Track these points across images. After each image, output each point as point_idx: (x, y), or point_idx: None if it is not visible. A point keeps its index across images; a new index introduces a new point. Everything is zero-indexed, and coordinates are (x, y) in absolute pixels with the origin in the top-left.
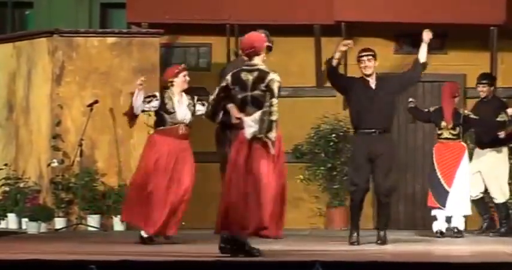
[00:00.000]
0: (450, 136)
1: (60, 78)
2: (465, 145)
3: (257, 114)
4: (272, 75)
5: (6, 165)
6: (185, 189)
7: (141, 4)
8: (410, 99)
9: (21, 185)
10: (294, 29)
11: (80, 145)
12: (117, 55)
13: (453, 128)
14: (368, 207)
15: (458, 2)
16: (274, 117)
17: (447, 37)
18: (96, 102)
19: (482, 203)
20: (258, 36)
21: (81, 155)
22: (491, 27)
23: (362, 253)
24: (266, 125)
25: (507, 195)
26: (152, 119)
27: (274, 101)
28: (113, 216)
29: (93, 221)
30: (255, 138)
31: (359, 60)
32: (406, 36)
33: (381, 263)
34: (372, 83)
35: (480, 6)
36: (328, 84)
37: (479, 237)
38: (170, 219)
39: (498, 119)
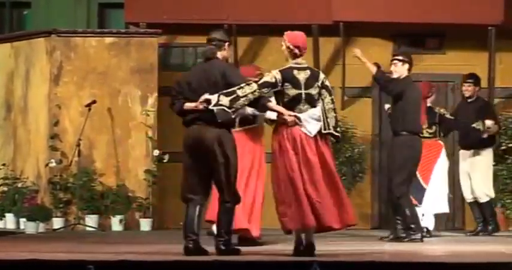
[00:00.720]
0: (427, 135)
1: (58, 78)
2: (442, 143)
3: (317, 111)
4: (323, 74)
5: (4, 165)
6: None
7: (139, 4)
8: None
9: (19, 185)
10: (292, 29)
11: (78, 145)
12: (115, 55)
13: (429, 127)
14: (367, 207)
15: (457, 2)
16: (337, 114)
17: (445, 37)
18: (94, 102)
19: (476, 207)
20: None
21: (79, 155)
22: (490, 27)
23: (360, 253)
24: (334, 121)
25: (491, 195)
26: (150, 119)
27: (333, 97)
28: (111, 216)
29: (91, 221)
30: (319, 134)
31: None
32: (404, 36)
33: (379, 263)
34: None
35: (478, 6)
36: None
37: (474, 238)
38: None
39: (473, 125)
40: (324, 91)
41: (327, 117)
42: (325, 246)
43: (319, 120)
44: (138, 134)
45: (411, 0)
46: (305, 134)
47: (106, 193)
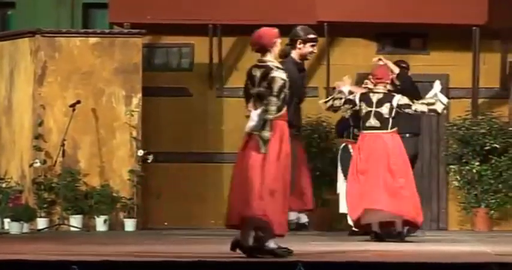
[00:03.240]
0: None
1: (43, 79)
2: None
3: (258, 111)
4: (274, 73)
5: None
6: None
7: (123, 4)
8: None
9: (3, 185)
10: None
11: (62, 145)
12: (99, 55)
13: None
14: None
15: (441, 2)
16: (269, 116)
17: (429, 37)
18: (78, 102)
19: None
20: (266, 32)
21: (63, 155)
22: (474, 28)
23: (344, 253)
24: (261, 123)
25: None
26: (134, 120)
27: (273, 99)
28: (95, 217)
29: (75, 221)
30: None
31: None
32: (388, 37)
33: (363, 263)
34: None
35: (462, 7)
36: (310, 84)
37: (460, 238)
38: None
39: None
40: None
41: (259, 118)
42: (309, 247)
43: (260, 120)
44: (122, 134)
45: (395, 1)
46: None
47: (90, 193)
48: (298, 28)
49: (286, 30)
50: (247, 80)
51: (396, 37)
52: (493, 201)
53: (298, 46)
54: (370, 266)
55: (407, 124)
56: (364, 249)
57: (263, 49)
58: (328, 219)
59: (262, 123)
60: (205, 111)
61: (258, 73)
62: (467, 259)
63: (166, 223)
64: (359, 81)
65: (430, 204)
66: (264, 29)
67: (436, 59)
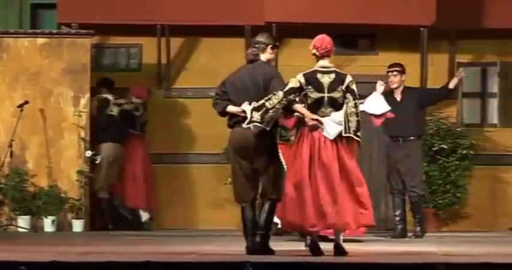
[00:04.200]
0: None
1: None
2: None
3: (339, 115)
4: (350, 77)
5: None
6: None
7: (71, 5)
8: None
9: None
10: (224, 30)
11: (10, 146)
12: (48, 56)
13: None
14: None
15: (389, 3)
16: (359, 118)
17: (378, 38)
18: (26, 102)
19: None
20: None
21: (11, 156)
22: (422, 28)
23: (292, 253)
24: (355, 125)
25: None
26: (82, 120)
27: (358, 102)
28: (43, 217)
29: (23, 222)
30: (339, 137)
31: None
32: (336, 37)
33: (310, 263)
34: (398, 96)
35: (410, 7)
36: None
37: (407, 238)
38: None
39: None
40: (348, 95)
41: (348, 121)
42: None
43: (340, 124)
44: (70, 134)
45: (343, 1)
46: (324, 137)
47: (38, 194)
48: (268, 34)
49: (233, 31)
50: (308, 85)
51: (344, 38)
52: (441, 201)
53: (269, 51)
54: (317, 266)
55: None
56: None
57: (329, 55)
58: None
59: (356, 125)
60: (153, 111)
61: (326, 78)
62: (415, 259)
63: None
64: None
65: (378, 204)
66: (325, 36)
67: (384, 59)
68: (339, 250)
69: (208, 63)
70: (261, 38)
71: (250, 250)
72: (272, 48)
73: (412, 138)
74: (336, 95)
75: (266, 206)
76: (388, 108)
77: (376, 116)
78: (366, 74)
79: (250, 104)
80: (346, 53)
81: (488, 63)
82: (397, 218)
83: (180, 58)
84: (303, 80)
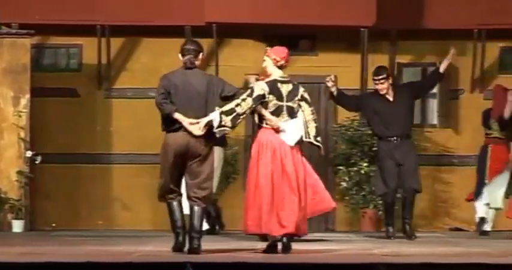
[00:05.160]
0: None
1: None
2: None
3: (298, 122)
4: (302, 88)
5: None
6: None
7: (11, 5)
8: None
9: None
10: (165, 30)
11: None
12: None
13: None
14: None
15: (329, 4)
16: (317, 124)
17: (318, 38)
18: None
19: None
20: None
21: None
22: (362, 29)
23: (233, 254)
24: (315, 131)
25: None
26: (22, 121)
27: (313, 109)
28: None
29: None
30: (299, 143)
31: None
32: (276, 38)
33: (250, 264)
34: (390, 96)
35: (350, 8)
36: None
37: (347, 238)
38: None
39: None
40: (303, 103)
41: (307, 127)
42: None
43: (299, 131)
44: (10, 135)
45: (283, 2)
46: (285, 143)
47: None
48: (196, 41)
49: (174, 31)
50: (269, 94)
51: (285, 38)
52: (380, 202)
53: (200, 58)
54: (256, 266)
55: None
56: (253, 250)
57: (287, 66)
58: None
59: (316, 131)
60: (93, 112)
61: (285, 88)
62: (355, 260)
63: (54, 224)
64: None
65: None
66: (285, 48)
67: (325, 60)
68: (287, 247)
69: (149, 63)
70: (192, 45)
71: (176, 248)
72: (202, 54)
73: (404, 136)
74: (293, 104)
75: (196, 211)
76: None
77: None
78: (306, 75)
79: (193, 113)
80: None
81: (428, 64)
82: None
83: (121, 58)
84: (266, 89)
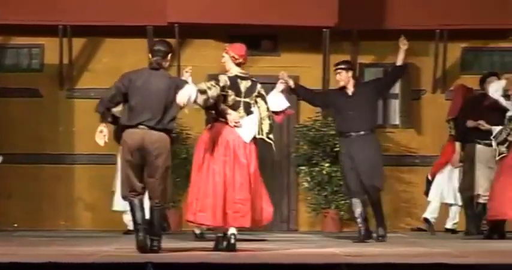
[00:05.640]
0: None
1: None
2: None
3: (253, 118)
4: (260, 84)
5: None
6: None
7: None
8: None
9: None
10: (127, 30)
11: None
12: None
13: None
14: None
15: (290, 4)
16: (271, 121)
17: (280, 39)
18: None
19: None
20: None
21: None
22: (324, 29)
23: (194, 254)
24: (268, 128)
25: None
26: None
27: (269, 106)
28: None
29: None
30: (253, 139)
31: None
32: (238, 38)
33: (210, 264)
34: (349, 90)
35: (312, 8)
36: None
37: (309, 238)
38: None
39: None
40: (259, 99)
41: (261, 124)
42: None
43: (254, 127)
44: None
45: (245, 2)
46: (238, 138)
47: None
48: (166, 42)
49: (136, 32)
50: (228, 89)
51: (247, 39)
52: (342, 202)
53: (168, 59)
54: (218, 266)
55: None
56: (209, 249)
57: (245, 63)
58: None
59: (270, 128)
60: (56, 112)
61: (244, 84)
62: (317, 260)
63: (16, 225)
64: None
65: (281, 205)
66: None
67: (287, 60)
68: (232, 246)
69: (111, 63)
70: (161, 46)
71: (140, 243)
72: (171, 55)
73: (363, 132)
74: (250, 100)
75: (155, 211)
76: (287, 104)
77: (276, 113)
78: (269, 75)
79: (150, 114)
80: (248, 54)
81: (390, 64)
82: (359, 220)
83: (83, 59)
84: (228, 83)
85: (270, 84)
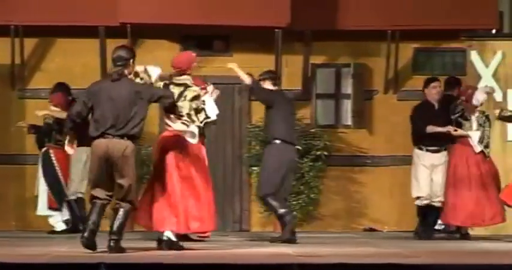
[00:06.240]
0: None
1: None
2: None
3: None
4: (197, 88)
5: None
6: None
7: None
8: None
9: None
10: (79, 31)
11: None
12: None
13: None
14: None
15: (243, 5)
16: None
17: (232, 39)
18: None
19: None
20: (185, 57)
21: None
22: (276, 30)
23: (147, 254)
24: (204, 114)
25: None
26: None
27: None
28: None
29: None
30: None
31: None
32: (191, 39)
33: (163, 265)
34: None
35: (265, 9)
36: None
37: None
38: None
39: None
40: (187, 91)
41: (204, 127)
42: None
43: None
44: None
45: (197, 2)
46: (188, 143)
47: None
48: (127, 48)
49: (88, 32)
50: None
51: (199, 39)
52: (295, 202)
53: (131, 64)
54: (170, 266)
55: None
56: (165, 251)
57: (183, 73)
58: None
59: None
60: (7, 112)
61: (176, 90)
62: (270, 260)
63: None
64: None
65: (233, 205)
66: (185, 54)
67: (239, 60)
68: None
69: (63, 64)
70: (121, 52)
71: (84, 239)
72: (133, 61)
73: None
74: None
75: (120, 212)
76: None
77: None
78: (221, 75)
79: (114, 123)
80: (201, 54)
81: (342, 65)
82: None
83: (35, 59)
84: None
85: (222, 85)
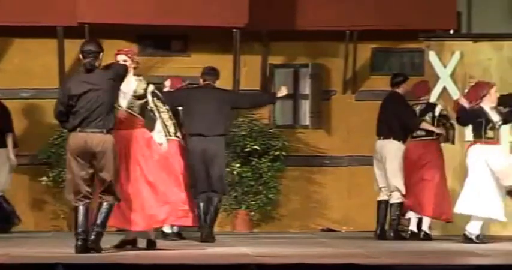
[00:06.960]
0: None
1: None
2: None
3: (158, 124)
4: (153, 86)
5: None
6: None
7: None
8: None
9: None
10: (37, 31)
11: None
12: None
13: None
14: None
15: (201, 4)
16: (174, 120)
17: (190, 39)
18: None
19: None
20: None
21: None
22: (234, 30)
23: (107, 255)
24: (173, 128)
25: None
26: None
27: (167, 107)
28: None
29: None
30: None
31: None
32: (149, 38)
33: (125, 265)
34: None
35: (223, 9)
36: None
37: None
38: None
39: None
40: (156, 100)
41: (166, 126)
42: (70, 249)
43: (160, 132)
44: None
45: (154, 2)
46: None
47: None
48: (95, 42)
49: (46, 32)
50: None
51: (157, 39)
52: (253, 203)
53: (100, 58)
54: (131, 267)
55: None
56: (126, 253)
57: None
58: None
59: (167, 129)
60: None
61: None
62: (228, 260)
63: None
64: None
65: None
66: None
67: (197, 60)
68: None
69: (21, 64)
70: (91, 46)
71: (79, 249)
72: (102, 55)
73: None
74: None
75: (103, 206)
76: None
77: None
78: (179, 75)
79: (91, 116)
80: (158, 54)
81: (301, 65)
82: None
83: None
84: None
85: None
